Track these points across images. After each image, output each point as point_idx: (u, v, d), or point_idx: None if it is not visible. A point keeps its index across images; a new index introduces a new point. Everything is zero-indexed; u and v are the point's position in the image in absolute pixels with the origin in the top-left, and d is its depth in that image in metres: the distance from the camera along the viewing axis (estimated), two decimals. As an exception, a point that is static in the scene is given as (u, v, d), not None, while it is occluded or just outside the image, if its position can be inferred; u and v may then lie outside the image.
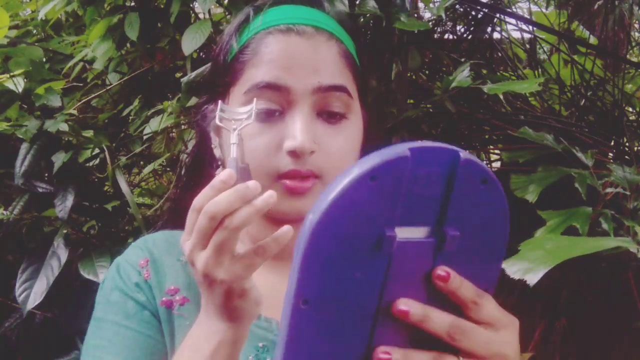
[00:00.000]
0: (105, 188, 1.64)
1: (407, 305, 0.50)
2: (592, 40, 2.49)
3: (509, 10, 2.29)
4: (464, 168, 0.50)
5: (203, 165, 0.90)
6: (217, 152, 0.86)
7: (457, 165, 0.50)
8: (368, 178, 0.49)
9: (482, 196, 0.51)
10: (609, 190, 1.32)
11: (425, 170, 0.50)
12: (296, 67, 0.77)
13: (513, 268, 0.80)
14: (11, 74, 1.55)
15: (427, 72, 2.17)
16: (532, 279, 0.77)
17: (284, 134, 0.77)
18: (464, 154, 0.51)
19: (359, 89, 0.84)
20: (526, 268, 0.79)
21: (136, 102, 1.66)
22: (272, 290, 0.85)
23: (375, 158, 0.49)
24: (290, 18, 0.81)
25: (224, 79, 0.83)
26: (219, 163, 0.86)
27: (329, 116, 0.79)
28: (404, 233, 0.51)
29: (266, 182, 0.78)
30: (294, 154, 0.76)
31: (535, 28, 2.33)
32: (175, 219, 0.95)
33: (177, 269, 0.86)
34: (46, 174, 1.53)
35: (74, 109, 1.63)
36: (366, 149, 0.91)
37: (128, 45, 1.71)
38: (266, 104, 0.78)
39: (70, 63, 1.71)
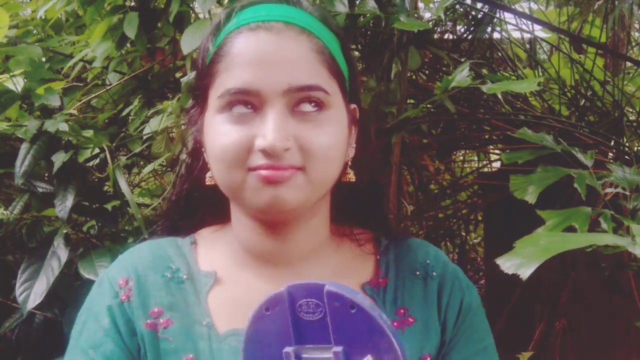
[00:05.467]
0: (105, 188, 1.64)
1: None
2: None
3: (507, 6, 2.29)
4: (330, 298, 0.66)
5: (197, 170, 0.90)
6: (206, 157, 0.86)
7: (324, 296, 0.66)
8: (263, 309, 0.68)
9: (353, 318, 0.65)
10: (608, 190, 1.32)
11: (304, 301, 0.67)
12: (266, 68, 0.77)
13: (507, 264, 0.80)
14: (11, 73, 1.54)
15: (427, 72, 2.17)
16: (525, 273, 0.77)
17: (256, 132, 0.77)
18: (328, 286, 0.66)
19: (341, 85, 0.83)
20: (519, 263, 0.79)
21: (136, 102, 1.66)
22: None
23: (267, 295, 0.68)
24: (261, 16, 0.81)
25: (203, 82, 0.84)
26: (209, 167, 0.85)
27: (303, 114, 0.78)
28: (307, 352, 0.67)
29: (240, 174, 0.78)
30: (266, 152, 0.76)
31: (535, 26, 2.33)
32: (171, 223, 0.96)
33: (160, 287, 0.85)
34: (46, 174, 1.53)
35: (74, 109, 1.63)
36: (364, 144, 0.91)
37: (128, 45, 1.71)
38: (238, 109, 0.78)
39: (70, 63, 1.71)
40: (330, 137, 0.79)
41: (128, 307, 0.84)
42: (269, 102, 0.77)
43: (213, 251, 0.90)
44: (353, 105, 0.88)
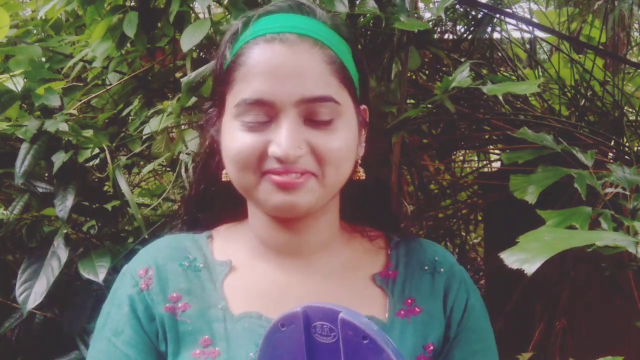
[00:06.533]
0: (105, 188, 1.64)
1: None
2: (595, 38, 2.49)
3: (508, 10, 2.29)
4: (344, 326, 0.67)
5: (212, 167, 0.95)
6: (223, 156, 0.89)
7: (338, 322, 0.67)
8: (279, 325, 0.70)
9: (365, 349, 0.66)
10: (608, 190, 1.31)
11: (319, 323, 0.68)
12: (280, 79, 0.81)
13: (511, 258, 0.80)
14: (11, 73, 1.54)
15: (427, 72, 2.17)
16: (530, 268, 0.77)
17: (270, 139, 0.81)
18: (343, 314, 0.67)
19: (351, 91, 0.87)
20: (524, 258, 0.79)
21: (136, 102, 1.66)
22: (275, 289, 0.90)
23: (284, 312, 0.70)
24: (276, 27, 0.84)
25: (221, 87, 0.88)
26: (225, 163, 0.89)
27: (316, 122, 0.83)
28: None
29: (253, 177, 0.83)
30: (280, 160, 0.81)
31: (535, 28, 2.33)
32: (190, 216, 1.00)
33: (178, 274, 0.90)
34: (46, 174, 1.53)
35: (74, 109, 1.63)
36: (372, 141, 0.94)
37: (128, 45, 1.70)
38: (254, 118, 0.82)
39: (70, 63, 1.71)
40: (342, 142, 0.84)
41: (147, 295, 0.88)
42: (283, 112, 0.81)
43: (229, 243, 0.95)
44: (363, 107, 0.92)
